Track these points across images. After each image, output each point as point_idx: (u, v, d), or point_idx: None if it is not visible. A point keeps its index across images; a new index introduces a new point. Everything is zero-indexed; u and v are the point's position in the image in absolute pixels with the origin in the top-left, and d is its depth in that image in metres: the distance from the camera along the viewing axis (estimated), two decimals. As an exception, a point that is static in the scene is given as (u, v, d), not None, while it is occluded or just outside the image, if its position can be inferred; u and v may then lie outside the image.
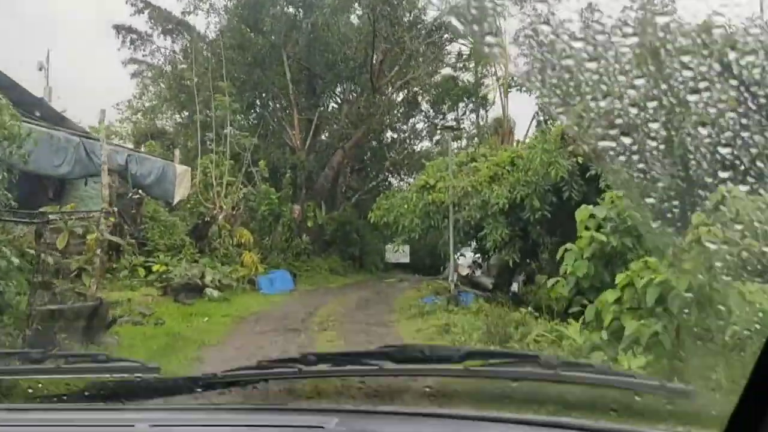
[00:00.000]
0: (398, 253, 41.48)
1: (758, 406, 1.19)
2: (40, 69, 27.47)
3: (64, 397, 1.89)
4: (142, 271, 14.66)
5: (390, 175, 38.48)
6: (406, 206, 15.89)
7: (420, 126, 37.84)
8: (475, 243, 16.49)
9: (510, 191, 13.67)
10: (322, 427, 1.56)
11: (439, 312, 13.45)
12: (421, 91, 34.49)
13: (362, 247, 33.98)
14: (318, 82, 29.08)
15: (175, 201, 19.46)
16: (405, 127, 35.96)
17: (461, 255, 18.05)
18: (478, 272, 21.01)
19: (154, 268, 14.97)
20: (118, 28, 34.13)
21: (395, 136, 35.49)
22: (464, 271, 23.09)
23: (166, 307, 12.59)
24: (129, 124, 41.69)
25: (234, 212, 21.51)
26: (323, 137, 29.23)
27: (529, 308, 11.40)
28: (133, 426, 1.68)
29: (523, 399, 1.84)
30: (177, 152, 22.71)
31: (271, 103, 29.03)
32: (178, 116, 36.46)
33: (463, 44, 32.58)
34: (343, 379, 1.99)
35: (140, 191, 16.40)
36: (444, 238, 30.77)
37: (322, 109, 29.42)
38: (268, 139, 29.00)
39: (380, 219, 16.71)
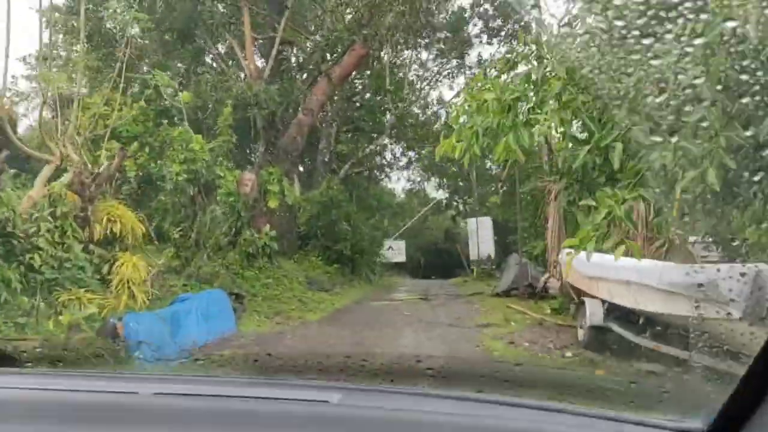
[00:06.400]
0: (391, 250, 30.93)
1: (751, 397, 1.20)
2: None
3: (69, 363, 1.91)
4: None
5: (391, 140, 26.95)
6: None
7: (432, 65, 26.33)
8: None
9: None
10: (326, 401, 1.54)
11: None
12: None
13: (355, 243, 22.03)
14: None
15: None
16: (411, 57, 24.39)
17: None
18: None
19: None
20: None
21: (400, 75, 23.88)
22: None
23: None
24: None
25: (97, 170, 9.89)
26: (293, 59, 17.53)
27: None
28: (136, 393, 1.59)
29: (518, 381, 1.84)
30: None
31: (207, 3, 17.18)
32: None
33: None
34: (347, 357, 1.99)
35: None
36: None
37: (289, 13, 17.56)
38: (201, 61, 17.34)
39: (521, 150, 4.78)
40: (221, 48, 20.44)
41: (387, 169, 31.42)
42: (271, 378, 1.90)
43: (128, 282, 8.78)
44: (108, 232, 9.50)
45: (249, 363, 2.01)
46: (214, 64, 20.21)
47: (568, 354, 8.20)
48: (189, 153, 12.32)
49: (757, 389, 1.19)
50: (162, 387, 1.66)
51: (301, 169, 23.35)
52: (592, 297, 9.17)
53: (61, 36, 25.90)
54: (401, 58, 24.71)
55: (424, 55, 24.60)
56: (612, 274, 8.31)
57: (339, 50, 16.63)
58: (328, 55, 17.04)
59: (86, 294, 8.09)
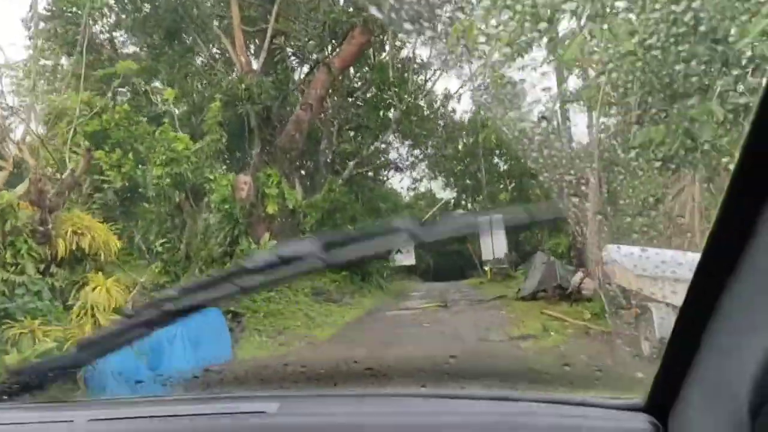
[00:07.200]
0: (399, 253, 29.70)
1: (679, 368, 1.19)
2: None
3: (4, 397, 1.71)
4: None
5: (396, 136, 25.40)
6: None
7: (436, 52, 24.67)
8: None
9: None
10: (263, 412, 1.48)
11: None
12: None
13: (363, 247, 20.41)
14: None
15: None
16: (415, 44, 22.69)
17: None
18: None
19: None
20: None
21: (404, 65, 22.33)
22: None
23: None
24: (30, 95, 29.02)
25: (59, 174, 8.41)
26: (288, 50, 16.03)
27: None
28: (71, 422, 1.53)
29: (459, 374, 1.87)
30: None
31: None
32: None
33: None
34: (286, 365, 2.02)
35: None
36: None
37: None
38: (190, 60, 15.89)
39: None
40: (213, 49, 19.05)
41: (392, 169, 30.03)
42: (210, 393, 1.84)
43: (92, 308, 7.31)
44: (75, 248, 8.03)
45: (188, 379, 1.92)
46: (204, 61, 18.78)
47: (640, 375, 6.64)
48: (172, 153, 10.81)
49: (683, 359, 1.15)
50: (98, 413, 1.61)
51: (302, 172, 21.92)
52: (657, 301, 7.66)
53: (40, 42, 24.69)
54: (404, 49, 23.25)
55: (428, 47, 23.00)
56: (686, 273, 6.82)
57: (338, 35, 15.12)
58: (326, 42, 15.54)
59: (42, 326, 6.62)
